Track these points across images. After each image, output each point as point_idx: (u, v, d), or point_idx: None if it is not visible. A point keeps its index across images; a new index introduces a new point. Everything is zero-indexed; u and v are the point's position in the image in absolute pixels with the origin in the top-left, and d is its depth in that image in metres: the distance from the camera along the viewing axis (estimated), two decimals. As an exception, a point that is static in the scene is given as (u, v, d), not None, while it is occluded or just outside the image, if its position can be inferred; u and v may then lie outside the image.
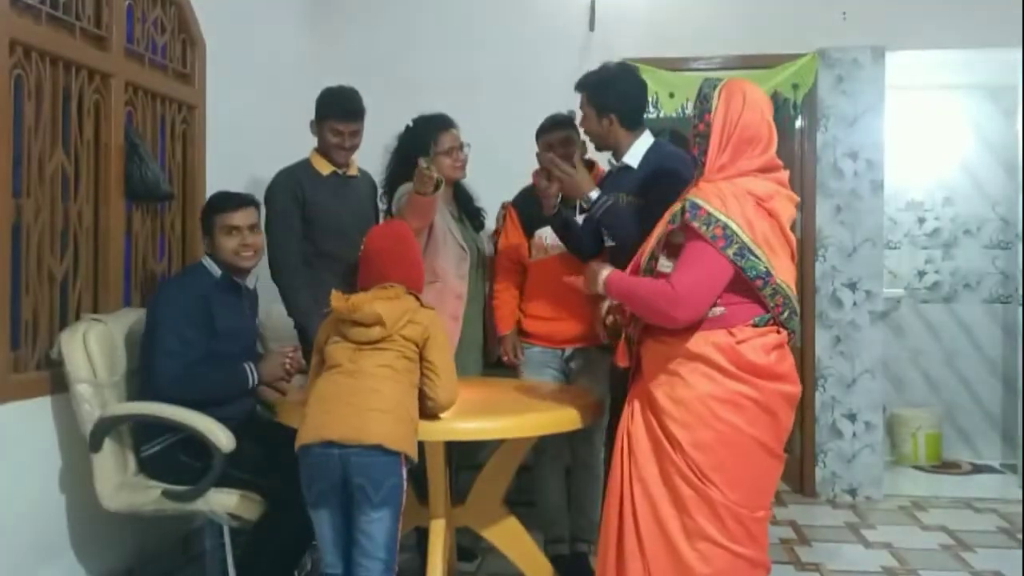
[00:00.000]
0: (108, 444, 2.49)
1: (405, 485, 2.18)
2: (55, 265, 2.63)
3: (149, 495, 2.49)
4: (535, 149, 3.07)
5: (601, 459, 3.03)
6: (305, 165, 3.10)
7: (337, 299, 2.27)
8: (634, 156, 2.71)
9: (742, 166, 2.14)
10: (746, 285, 2.09)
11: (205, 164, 3.39)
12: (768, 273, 2.08)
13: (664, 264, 2.18)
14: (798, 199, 2.27)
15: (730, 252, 2.05)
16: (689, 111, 2.28)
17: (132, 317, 2.73)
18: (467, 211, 3.27)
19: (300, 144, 3.25)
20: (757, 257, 2.06)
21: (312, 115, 3.12)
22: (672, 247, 2.17)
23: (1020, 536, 3.65)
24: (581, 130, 2.85)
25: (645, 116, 2.81)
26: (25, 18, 2.49)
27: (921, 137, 5.17)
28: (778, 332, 2.16)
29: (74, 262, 2.72)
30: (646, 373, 2.21)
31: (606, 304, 2.42)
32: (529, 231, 3.13)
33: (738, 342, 2.09)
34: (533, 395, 2.74)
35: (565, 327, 3.03)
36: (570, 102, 2.92)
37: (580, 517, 3.10)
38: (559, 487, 3.15)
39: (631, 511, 2.14)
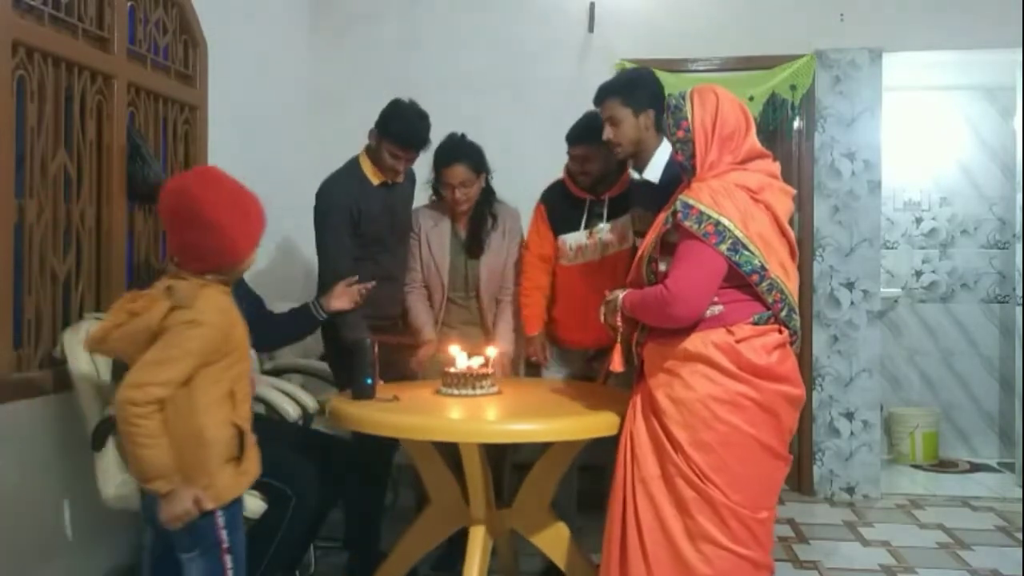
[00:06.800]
0: (110, 443, 2.50)
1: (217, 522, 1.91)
2: (58, 265, 2.64)
3: (151, 494, 2.50)
4: (535, 149, 3.08)
5: None
6: (357, 173, 2.98)
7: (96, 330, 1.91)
8: (655, 169, 2.68)
9: (728, 160, 2.17)
10: (743, 281, 2.11)
11: (207, 164, 3.41)
12: (763, 267, 2.09)
13: (663, 265, 2.20)
14: (794, 191, 2.29)
15: (723, 248, 2.07)
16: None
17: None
18: (471, 232, 3.16)
19: (301, 145, 3.27)
20: (751, 252, 2.08)
21: (310, 114, 3.12)
22: (668, 247, 2.19)
23: (1019, 535, 3.67)
24: (612, 142, 2.71)
25: None
26: (28, 19, 2.50)
27: (918, 138, 5.20)
28: (779, 332, 2.16)
29: (76, 262, 2.73)
30: (647, 374, 2.23)
31: (602, 311, 2.39)
32: (556, 231, 3.06)
33: (737, 341, 2.10)
34: (575, 397, 2.60)
35: (588, 332, 2.90)
36: (569, 103, 2.92)
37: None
38: (568, 485, 3.13)
39: (633, 512, 2.14)
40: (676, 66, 4.21)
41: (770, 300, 2.13)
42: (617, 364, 2.33)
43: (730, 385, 2.09)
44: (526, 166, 3.19)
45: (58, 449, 2.60)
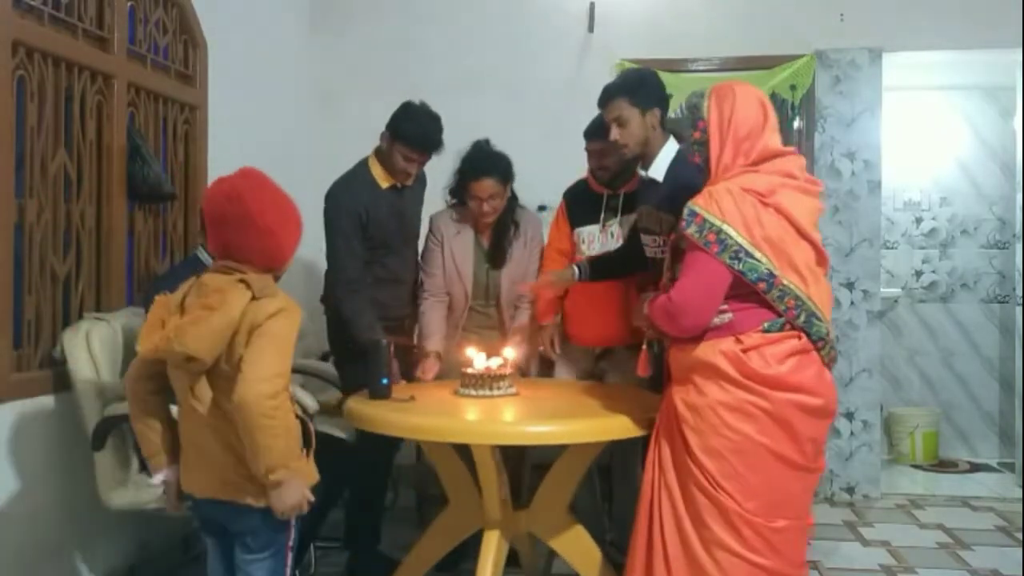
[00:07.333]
0: (110, 443, 2.50)
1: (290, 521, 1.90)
2: (58, 265, 2.64)
3: (151, 493, 2.49)
4: (534, 149, 3.08)
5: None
6: (365, 176, 2.97)
7: (149, 330, 1.84)
8: (659, 168, 2.66)
9: (740, 162, 2.14)
10: (750, 289, 2.07)
11: (207, 164, 3.41)
12: (771, 274, 2.05)
13: (676, 272, 2.19)
14: (820, 187, 2.20)
15: (725, 257, 2.04)
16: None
17: (134, 316, 2.74)
18: (494, 243, 3.14)
19: (301, 145, 3.27)
20: (756, 259, 2.04)
21: (310, 114, 3.11)
22: (680, 254, 2.17)
23: (1019, 535, 3.67)
24: (619, 143, 2.67)
25: None
26: (28, 19, 2.50)
27: (918, 137, 5.20)
28: (799, 338, 2.10)
29: (77, 262, 2.73)
30: (672, 380, 2.22)
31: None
32: (574, 224, 3.08)
33: (744, 350, 2.07)
34: (593, 399, 2.58)
35: (597, 327, 2.98)
36: (569, 103, 2.91)
37: (622, 525, 2.97)
38: (591, 486, 3.12)
39: (659, 519, 2.14)
40: (676, 66, 4.20)
41: (782, 307, 2.08)
42: (642, 369, 2.34)
43: (738, 394, 2.06)
44: (525, 166, 3.18)
45: (58, 449, 2.61)
